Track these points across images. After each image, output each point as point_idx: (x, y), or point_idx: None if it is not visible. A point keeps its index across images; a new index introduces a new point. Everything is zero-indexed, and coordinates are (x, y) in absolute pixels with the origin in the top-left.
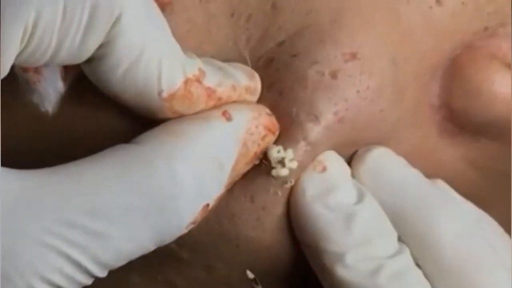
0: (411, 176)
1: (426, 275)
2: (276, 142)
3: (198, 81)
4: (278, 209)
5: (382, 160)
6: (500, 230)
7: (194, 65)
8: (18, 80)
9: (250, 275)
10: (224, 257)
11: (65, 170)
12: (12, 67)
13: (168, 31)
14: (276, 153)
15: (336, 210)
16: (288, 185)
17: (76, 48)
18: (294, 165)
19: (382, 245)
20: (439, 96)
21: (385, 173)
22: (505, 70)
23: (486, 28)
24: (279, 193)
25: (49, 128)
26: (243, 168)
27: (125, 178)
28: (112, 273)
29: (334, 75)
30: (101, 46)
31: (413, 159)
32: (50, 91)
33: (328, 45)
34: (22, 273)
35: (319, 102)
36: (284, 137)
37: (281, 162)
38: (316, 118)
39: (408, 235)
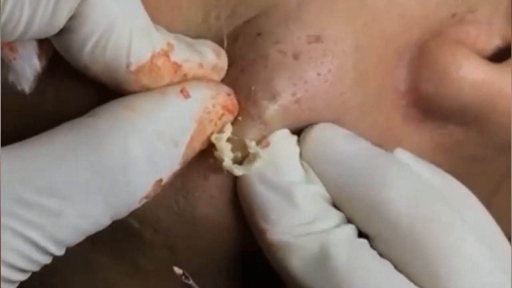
0: (357, 146)
1: (382, 248)
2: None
3: (166, 55)
4: (232, 188)
5: (327, 133)
6: (465, 192)
7: (163, 39)
8: None
9: (178, 270)
10: (184, 238)
11: (19, 148)
12: None
13: (139, 3)
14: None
15: (276, 189)
16: None
17: (48, 18)
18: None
19: (322, 225)
20: (405, 81)
21: (330, 145)
22: (472, 56)
23: (454, 15)
24: None
25: (29, 107)
26: (199, 146)
27: (78, 154)
28: (81, 254)
29: (296, 56)
30: (72, 18)
31: (376, 144)
32: (27, 69)
33: (292, 26)
34: None
35: (278, 81)
36: (240, 114)
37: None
38: (273, 97)
39: (357, 207)
